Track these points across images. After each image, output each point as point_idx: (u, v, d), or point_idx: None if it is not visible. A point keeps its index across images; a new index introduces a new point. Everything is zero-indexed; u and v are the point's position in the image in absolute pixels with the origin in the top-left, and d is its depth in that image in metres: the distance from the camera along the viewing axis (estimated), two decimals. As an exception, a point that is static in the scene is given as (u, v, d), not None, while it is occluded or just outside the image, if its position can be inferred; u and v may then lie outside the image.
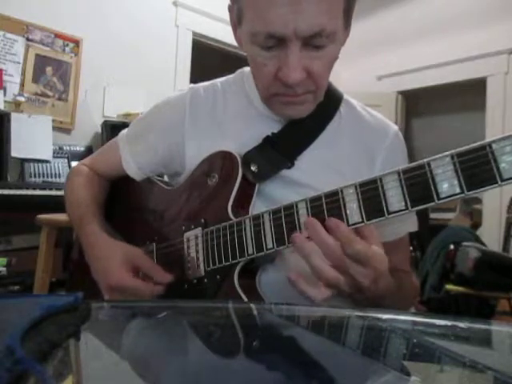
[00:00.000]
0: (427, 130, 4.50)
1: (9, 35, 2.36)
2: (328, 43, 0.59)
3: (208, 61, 3.65)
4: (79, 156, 2.45)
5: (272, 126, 0.71)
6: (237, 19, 0.64)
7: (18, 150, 2.24)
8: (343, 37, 0.64)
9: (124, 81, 2.77)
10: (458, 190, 0.45)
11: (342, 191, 0.52)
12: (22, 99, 2.37)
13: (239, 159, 0.68)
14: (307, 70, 0.60)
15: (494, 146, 0.42)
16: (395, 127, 0.77)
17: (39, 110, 2.45)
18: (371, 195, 0.50)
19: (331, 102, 0.74)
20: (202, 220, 0.69)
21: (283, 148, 0.70)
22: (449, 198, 0.45)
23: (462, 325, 0.43)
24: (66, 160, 2.43)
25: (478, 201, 3.46)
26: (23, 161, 2.28)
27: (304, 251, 0.53)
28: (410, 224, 0.75)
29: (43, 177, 2.30)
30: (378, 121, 0.76)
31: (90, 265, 0.72)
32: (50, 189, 2.10)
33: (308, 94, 0.64)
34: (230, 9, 0.65)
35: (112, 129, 2.52)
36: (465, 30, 3.26)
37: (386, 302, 0.59)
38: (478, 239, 2.41)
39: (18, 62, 2.39)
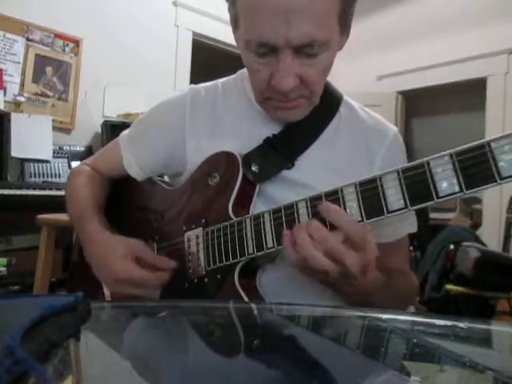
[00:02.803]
0: (427, 130, 4.50)
1: (9, 35, 2.36)
2: (321, 51, 0.59)
3: (208, 61, 3.66)
4: (79, 156, 2.45)
5: (272, 127, 0.71)
6: (233, 24, 0.65)
7: (18, 149, 2.24)
8: (339, 42, 0.64)
9: (124, 81, 2.77)
10: (457, 189, 0.45)
11: (341, 190, 0.52)
12: (22, 99, 2.37)
13: (240, 159, 0.68)
14: (300, 76, 0.60)
15: (492, 144, 0.43)
16: (394, 128, 0.77)
17: (39, 110, 2.45)
18: (371, 194, 0.50)
19: (331, 102, 0.74)
20: (203, 220, 0.69)
21: (283, 149, 0.70)
22: (448, 197, 0.45)
23: (461, 325, 0.43)
24: (66, 160, 2.43)
25: (478, 201, 3.46)
26: (23, 161, 2.28)
27: (298, 240, 0.53)
28: (409, 225, 0.74)
29: (43, 177, 2.30)
30: (377, 122, 0.76)
31: (90, 262, 0.72)
32: (50, 189, 2.10)
33: (302, 99, 0.65)
34: (229, 11, 0.66)
35: (112, 129, 2.52)
36: (465, 30, 3.26)
37: (375, 299, 0.59)
38: (477, 239, 2.41)
39: (18, 62, 2.39)
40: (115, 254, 0.67)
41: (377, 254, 0.54)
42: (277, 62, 0.59)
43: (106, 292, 0.79)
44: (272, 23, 0.55)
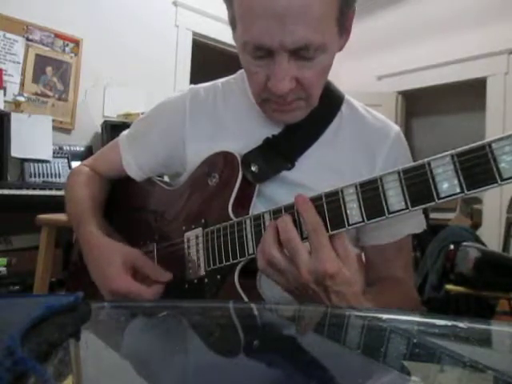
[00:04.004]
0: (427, 130, 4.50)
1: (9, 35, 2.36)
2: (317, 54, 0.58)
3: (208, 61, 3.66)
4: (79, 156, 2.45)
5: (273, 127, 0.71)
6: (231, 24, 0.65)
7: (18, 150, 2.24)
8: (338, 44, 0.63)
9: (124, 81, 2.78)
10: (458, 190, 0.45)
11: (342, 191, 0.52)
12: (22, 99, 2.37)
13: (239, 159, 0.68)
14: (297, 79, 0.60)
15: (493, 145, 0.42)
16: (397, 128, 0.76)
17: (39, 110, 2.45)
18: (371, 195, 0.50)
19: (332, 102, 0.74)
20: (203, 220, 0.69)
21: (283, 149, 0.70)
22: (449, 198, 0.45)
23: (461, 325, 0.43)
24: (65, 160, 2.43)
25: (478, 201, 3.46)
26: (23, 161, 2.28)
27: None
28: (410, 226, 0.73)
29: (43, 177, 2.30)
30: (380, 121, 0.76)
31: (87, 265, 0.72)
32: (50, 189, 2.10)
33: (299, 101, 0.64)
34: (227, 11, 0.66)
35: (112, 129, 2.53)
36: (465, 30, 3.26)
37: None
38: (478, 239, 2.40)
39: (18, 62, 2.39)
40: (112, 264, 0.66)
41: (354, 288, 0.52)
42: (273, 64, 0.58)
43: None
44: (267, 27, 0.55)
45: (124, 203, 0.88)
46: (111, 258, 0.67)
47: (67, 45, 2.58)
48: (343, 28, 0.62)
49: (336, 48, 0.63)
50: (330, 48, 0.60)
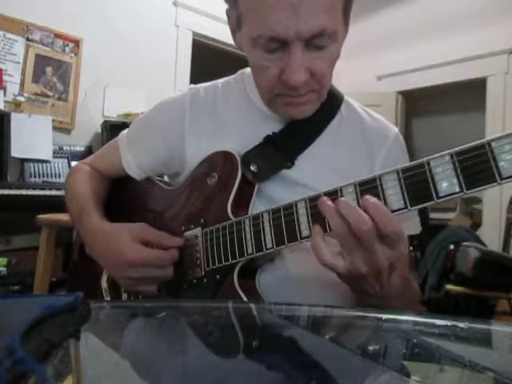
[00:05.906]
0: (427, 129, 4.50)
1: (9, 35, 2.35)
2: (330, 43, 0.60)
3: (208, 61, 3.65)
4: (79, 156, 2.45)
5: (272, 126, 0.71)
6: (236, 24, 0.64)
7: (18, 150, 2.24)
8: (343, 35, 0.65)
9: (124, 81, 2.77)
10: (457, 189, 0.45)
11: (341, 190, 0.52)
12: (22, 99, 2.37)
13: (239, 159, 0.68)
14: (310, 70, 0.61)
15: (493, 144, 0.42)
16: (395, 129, 0.77)
17: (39, 109, 2.45)
18: (370, 194, 0.50)
19: (332, 102, 0.74)
20: (202, 220, 0.69)
21: (283, 148, 0.70)
22: (448, 197, 0.45)
23: (461, 325, 0.43)
24: (65, 160, 2.43)
25: (478, 201, 3.46)
26: (23, 161, 2.28)
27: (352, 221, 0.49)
28: (410, 227, 0.73)
29: (43, 177, 2.30)
30: (379, 123, 0.76)
31: (94, 254, 0.72)
32: (50, 189, 2.10)
33: (312, 93, 0.65)
34: (228, 13, 0.66)
35: (112, 129, 2.52)
36: (465, 30, 3.26)
37: (390, 304, 0.57)
38: (478, 239, 2.41)
39: (18, 62, 2.39)
40: (123, 239, 0.66)
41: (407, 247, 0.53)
42: (287, 56, 0.59)
43: (104, 285, 0.79)
44: (281, 17, 0.56)
45: (124, 203, 0.88)
46: (119, 236, 0.67)
47: (67, 45, 2.58)
48: (346, 19, 0.63)
49: (342, 39, 0.64)
50: (339, 37, 0.62)
